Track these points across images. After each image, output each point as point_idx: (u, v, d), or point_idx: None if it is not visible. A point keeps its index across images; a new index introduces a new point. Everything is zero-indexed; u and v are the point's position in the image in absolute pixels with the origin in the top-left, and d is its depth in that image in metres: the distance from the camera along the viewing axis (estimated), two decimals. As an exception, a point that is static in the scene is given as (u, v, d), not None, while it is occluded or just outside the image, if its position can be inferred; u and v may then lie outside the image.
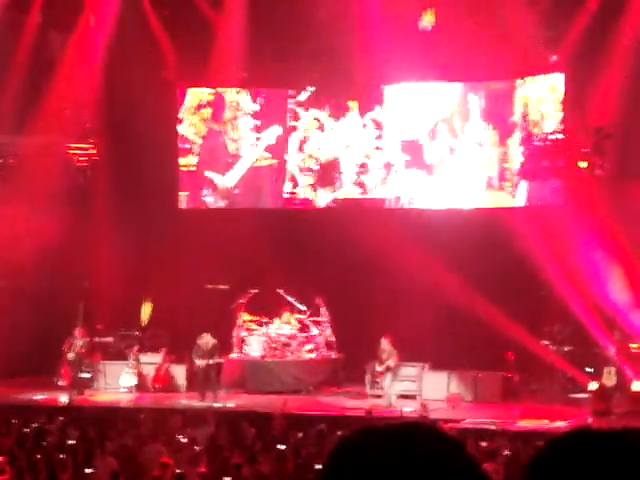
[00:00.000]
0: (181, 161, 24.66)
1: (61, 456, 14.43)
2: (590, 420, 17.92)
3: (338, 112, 24.17)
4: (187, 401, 20.41)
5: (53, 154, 23.91)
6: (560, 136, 21.96)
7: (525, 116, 22.82)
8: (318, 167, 24.32)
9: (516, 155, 22.85)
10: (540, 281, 20.54)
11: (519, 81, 22.89)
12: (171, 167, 24.46)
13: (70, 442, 15.58)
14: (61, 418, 17.60)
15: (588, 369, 20.62)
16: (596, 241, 20.64)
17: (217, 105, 24.70)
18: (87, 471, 13.53)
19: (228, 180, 24.60)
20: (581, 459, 1.59)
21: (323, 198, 24.25)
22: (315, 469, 13.99)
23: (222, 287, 23.69)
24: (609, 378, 19.60)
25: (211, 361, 20.70)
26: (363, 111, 24.01)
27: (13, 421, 17.24)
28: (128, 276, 22.54)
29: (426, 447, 1.41)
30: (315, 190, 24.37)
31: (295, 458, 14.72)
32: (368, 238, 20.84)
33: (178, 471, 13.66)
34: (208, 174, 24.69)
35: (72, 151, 24.93)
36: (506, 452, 14.05)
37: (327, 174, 24.29)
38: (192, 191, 24.84)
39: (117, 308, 23.15)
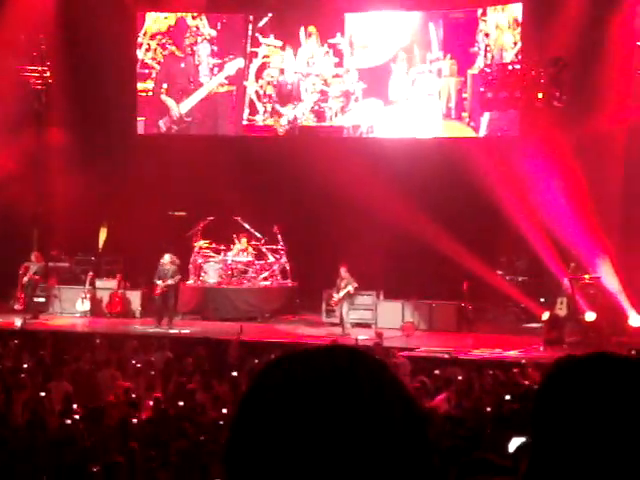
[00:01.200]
0: (139, 86, 24.41)
1: (16, 379, 14.45)
2: (542, 349, 18.16)
3: (297, 39, 23.97)
4: (142, 327, 20.43)
5: (7, 77, 23.50)
6: (518, 67, 21.92)
7: (485, 46, 22.78)
8: (276, 93, 24.19)
9: (475, 85, 22.82)
10: (496, 212, 20.62)
11: (480, 11, 22.81)
12: (129, 92, 24.20)
13: (25, 366, 15.59)
14: (16, 342, 17.56)
15: (541, 299, 20.86)
16: (552, 172, 20.71)
17: (176, 30, 24.42)
18: (41, 394, 13.55)
19: (183, 106, 24.43)
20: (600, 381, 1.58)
21: (283, 122, 24.11)
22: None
23: (180, 214, 23.57)
24: (561, 308, 19.83)
25: (171, 281, 20.63)
26: (323, 38, 23.84)
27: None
28: (85, 202, 22.36)
29: (347, 366, 1.39)
30: (273, 116, 24.24)
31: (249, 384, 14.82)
32: (326, 167, 20.81)
33: (133, 396, 13.73)
34: (164, 99, 24.49)
35: (27, 74, 24.53)
36: (459, 379, 14.21)
37: (285, 100, 24.17)
38: (149, 117, 24.65)
39: (73, 234, 23.00)
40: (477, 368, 15.49)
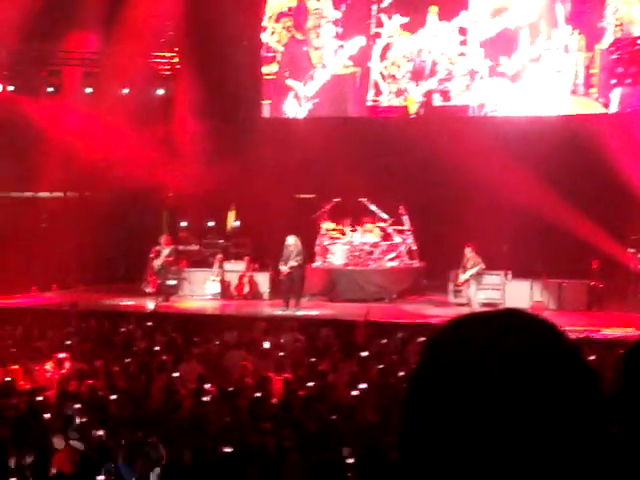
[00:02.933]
0: (264, 70, 24.60)
1: (153, 361, 14.78)
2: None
3: (422, 18, 23.80)
4: (271, 309, 20.62)
5: (136, 64, 23.96)
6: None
7: (614, 21, 22.25)
8: (401, 73, 24.07)
9: (604, 61, 22.34)
10: (627, 189, 20.17)
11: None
12: (254, 76, 24.41)
13: (157, 348, 15.93)
14: (149, 324, 17.95)
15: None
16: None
17: (299, 13, 24.51)
18: (174, 375, 13.82)
19: (309, 89, 24.52)
20: None
21: (415, 100, 23.94)
22: (398, 376, 14.11)
23: (307, 196, 23.68)
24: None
25: (294, 263, 20.76)
26: (446, 17, 23.61)
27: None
28: (213, 185, 22.65)
29: (526, 332, 1.36)
30: (398, 97, 24.14)
31: (377, 365, 14.85)
32: (452, 146, 20.65)
33: (263, 377, 13.89)
34: (289, 82, 24.62)
35: (155, 60, 25.01)
36: (591, 359, 13.99)
37: (412, 79, 24.05)
38: (274, 99, 24.82)
39: (202, 217, 23.36)
40: (608, 348, 15.21)
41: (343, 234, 22.68)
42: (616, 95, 22.34)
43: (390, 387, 13.37)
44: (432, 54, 23.86)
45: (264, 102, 24.76)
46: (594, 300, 20.31)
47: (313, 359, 15.13)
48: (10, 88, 24.22)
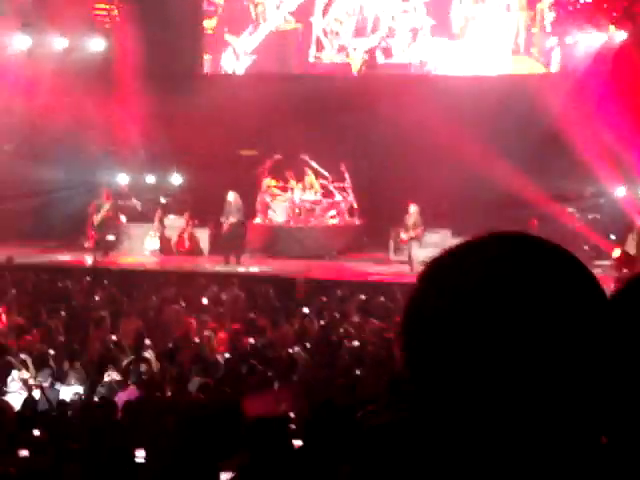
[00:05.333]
0: (205, 24, 24.32)
1: (91, 316, 14.65)
2: (613, 286, 17.90)
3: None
4: (211, 264, 20.53)
5: (75, 14, 23.50)
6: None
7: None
8: (344, 30, 23.91)
9: (546, 19, 22.40)
10: (569, 150, 20.28)
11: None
12: (195, 31, 24.13)
13: (96, 301, 15.81)
14: (87, 279, 17.78)
15: (612, 236, 20.56)
16: (626, 106, 20.30)
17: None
18: (112, 334, 13.72)
19: (248, 43, 24.28)
20: None
21: (356, 57, 23.80)
22: (338, 331, 14.14)
23: (250, 152, 23.53)
24: (632, 245, 19.54)
25: (233, 219, 20.69)
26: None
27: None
28: (153, 141, 22.42)
29: (524, 257, 1.30)
30: (339, 53, 23.99)
31: (318, 321, 14.86)
32: (393, 104, 20.58)
33: (206, 333, 13.84)
34: (228, 37, 24.36)
35: (96, 12, 24.57)
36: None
37: (353, 36, 23.90)
38: (214, 55, 24.56)
39: (143, 172, 23.15)
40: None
41: (284, 191, 22.60)
42: (556, 54, 22.41)
43: (331, 344, 13.40)
44: (374, 10, 23.70)
45: (205, 57, 24.47)
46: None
47: (252, 315, 15.10)
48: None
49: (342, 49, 24.01)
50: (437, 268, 1.32)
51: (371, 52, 23.80)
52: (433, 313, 1.27)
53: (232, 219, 20.81)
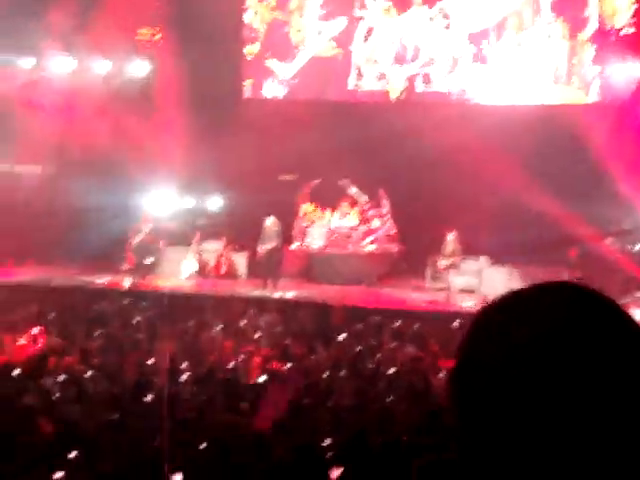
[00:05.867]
0: (246, 50, 24.49)
1: (128, 338, 14.73)
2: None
3: (406, 2, 23.71)
4: (248, 289, 20.56)
5: (121, 39, 23.80)
6: (632, 30, 21.45)
7: (597, 11, 22.26)
8: (383, 58, 23.95)
9: (587, 49, 22.37)
10: (608, 179, 20.19)
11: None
12: (236, 56, 24.31)
13: (133, 324, 15.88)
14: (125, 302, 17.86)
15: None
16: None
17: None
18: (149, 355, 13.77)
19: (289, 70, 24.41)
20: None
21: (395, 86, 23.82)
22: (374, 359, 14.12)
23: (290, 177, 23.60)
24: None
25: (271, 245, 20.75)
26: (430, 1, 23.53)
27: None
28: (194, 165, 22.56)
29: (578, 310, 1.30)
30: (381, 81, 24.03)
31: (354, 348, 14.85)
32: (433, 131, 20.62)
33: (241, 357, 13.87)
34: (270, 63, 24.51)
35: (139, 37, 24.82)
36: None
37: (394, 64, 23.95)
38: (255, 80, 24.71)
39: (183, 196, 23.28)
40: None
41: (322, 216, 22.62)
42: (596, 85, 22.37)
43: (367, 370, 13.39)
44: (414, 39, 23.75)
45: (245, 82, 24.64)
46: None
47: (288, 341, 15.12)
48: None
49: (382, 77, 24.05)
50: (489, 320, 1.34)
51: (411, 80, 23.82)
52: (487, 365, 1.27)
53: (270, 244, 20.87)
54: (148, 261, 21.76)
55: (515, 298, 1.36)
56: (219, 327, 15.98)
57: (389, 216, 22.30)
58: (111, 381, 12.12)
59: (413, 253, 21.66)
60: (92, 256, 22.06)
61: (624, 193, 20.15)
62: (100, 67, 24.37)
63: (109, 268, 21.69)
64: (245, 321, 16.65)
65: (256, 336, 15.69)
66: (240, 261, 22.22)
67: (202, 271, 22.01)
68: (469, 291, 20.49)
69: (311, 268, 21.84)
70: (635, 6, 21.63)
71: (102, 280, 20.83)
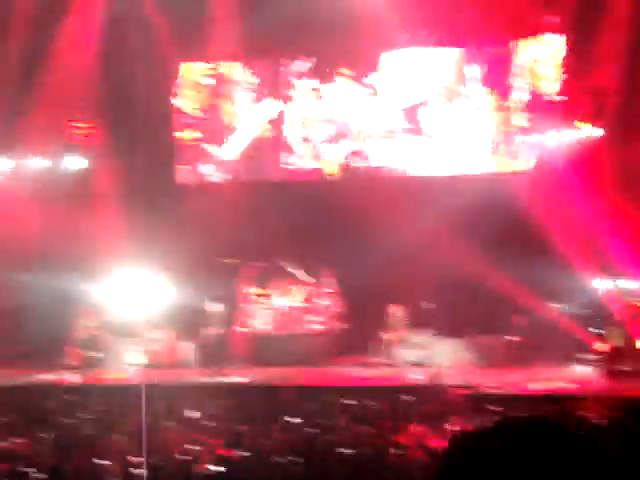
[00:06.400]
0: (179, 135, 24.64)
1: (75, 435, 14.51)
2: (603, 381, 17.98)
3: (332, 80, 24.03)
4: (197, 376, 20.40)
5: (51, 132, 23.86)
6: (559, 98, 21.97)
7: (525, 79, 22.75)
8: (317, 136, 24.20)
9: (517, 119, 22.82)
10: (548, 243, 20.49)
11: (518, 43, 22.77)
12: (168, 141, 24.47)
13: (82, 421, 15.66)
14: (71, 397, 17.63)
15: (593, 329, 20.62)
16: (598, 202, 20.62)
17: (215, 79, 24.65)
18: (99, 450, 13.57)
19: (224, 152, 24.58)
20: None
21: (329, 164, 24.04)
22: (327, 440, 14.04)
23: (231, 261, 23.60)
24: (618, 338, 19.61)
25: (218, 330, 20.69)
26: (359, 78, 23.89)
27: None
28: (134, 254, 22.50)
29: (554, 448, 1.38)
30: (315, 159, 24.24)
31: (307, 429, 14.77)
32: (371, 207, 20.80)
33: (195, 448, 13.72)
34: (205, 146, 24.65)
35: (76, 131, 24.83)
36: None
37: (326, 141, 24.19)
38: (193, 165, 24.84)
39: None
40: (537, 402, 15.33)
41: (267, 298, 22.61)
42: (528, 153, 22.79)
43: (321, 453, 13.31)
44: (345, 115, 24.04)
45: (181, 167, 24.76)
46: (517, 355, 20.46)
47: (242, 426, 15.00)
48: None
49: (316, 156, 24.25)
50: (461, 450, 1.40)
51: (346, 156, 24.04)
52: None
53: (215, 329, 20.81)
54: (96, 355, 21.53)
55: (485, 431, 1.46)
56: (170, 416, 15.80)
57: (334, 294, 22.33)
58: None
59: (359, 329, 21.68)
60: (36, 353, 21.78)
61: (564, 258, 20.43)
62: (35, 164, 24.36)
63: (55, 364, 21.38)
64: (196, 409, 16.48)
65: (208, 423, 15.55)
66: (187, 348, 22.05)
67: (150, 362, 21.81)
68: (418, 364, 20.53)
69: (257, 350, 21.73)
70: (561, 75, 22.15)
71: (47, 377, 20.51)
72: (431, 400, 16.07)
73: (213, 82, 24.65)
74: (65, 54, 23.58)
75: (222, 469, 12.67)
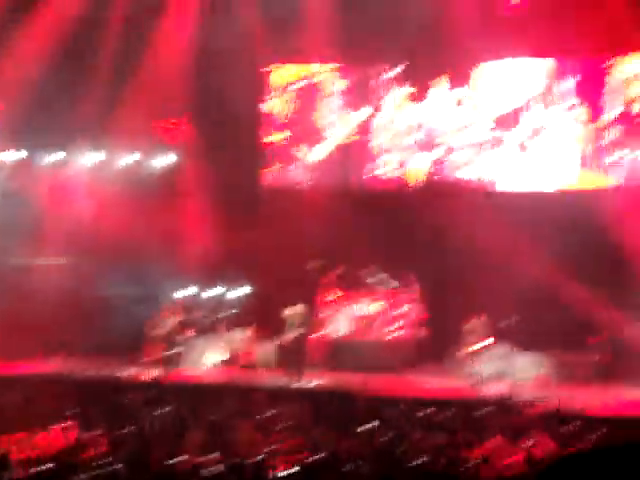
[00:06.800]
0: (270, 139, 24.78)
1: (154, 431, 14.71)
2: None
3: (427, 90, 23.94)
4: (274, 378, 20.49)
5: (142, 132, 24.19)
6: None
7: (620, 94, 22.45)
8: (403, 146, 24.13)
9: (610, 133, 22.51)
10: (632, 261, 20.20)
11: (614, 58, 22.46)
12: (256, 144, 24.65)
13: (161, 417, 15.85)
14: (151, 394, 17.85)
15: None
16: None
17: (305, 83, 24.72)
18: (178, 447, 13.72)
19: (314, 157, 24.62)
20: None
21: (414, 174, 23.97)
22: (400, 448, 14.01)
23: (314, 264, 23.67)
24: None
25: (297, 332, 20.77)
26: (453, 88, 23.77)
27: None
28: (220, 254, 22.74)
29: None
30: (399, 168, 24.16)
31: (380, 438, 14.75)
32: (457, 218, 20.73)
33: (269, 449, 13.80)
34: (294, 150, 24.74)
35: (166, 129, 25.13)
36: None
37: (413, 152, 24.12)
38: (279, 168, 24.95)
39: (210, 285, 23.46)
40: (615, 424, 15.10)
41: (348, 303, 22.62)
42: (619, 169, 22.49)
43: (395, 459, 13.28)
44: (435, 126, 23.94)
45: (269, 170, 24.89)
46: (600, 374, 20.16)
47: (314, 430, 15.05)
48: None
49: (401, 164, 24.16)
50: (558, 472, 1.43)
51: (431, 167, 23.91)
52: None
53: (296, 332, 20.90)
54: (175, 351, 21.77)
55: (580, 457, 1.50)
56: (247, 418, 15.92)
57: (415, 301, 22.26)
58: (139, 474, 12.05)
59: (439, 339, 21.58)
60: (119, 346, 22.10)
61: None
62: (125, 159, 24.75)
63: (135, 359, 21.68)
64: (272, 411, 16.57)
65: (283, 427, 15.62)
66: (267, 349, 22.15)
67: (229, 361, 21.97)
68: (497, 377, 20.34)
69: (336, 355, 21.75)
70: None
71: (128, 372, 20.79)
72: (507, 414, 15.95)
73: (303, 85, 24.72)
74: (159, 52, 23.89)
75: (294, 472, 12.73)
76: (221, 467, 12.58)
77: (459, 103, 23.73)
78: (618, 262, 20.54)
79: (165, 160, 24.98)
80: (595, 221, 20.34)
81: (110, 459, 12.86)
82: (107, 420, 15.45)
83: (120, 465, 12.47)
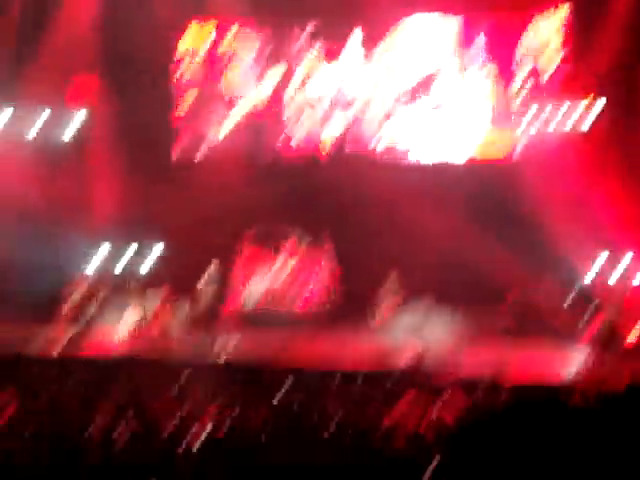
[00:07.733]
0: (180, 101, 24.40)
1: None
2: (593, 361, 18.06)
3: (337, 51, 23.69)
4: (186, 347, 20.32)
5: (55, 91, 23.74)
6: (564, 72, 21.90)
7: (529, 52, 22.55)
8: (316, 109, 23.92)
9: (520, 92, 22.64)
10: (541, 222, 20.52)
11: (528, 16, 22.51)
12: (166, 117, 24.26)
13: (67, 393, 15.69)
14: (56, 369, 17.67)
15: (588, 307, 20.63)
16: (603, 178, 20.62)
17: (214, 49, 24.25)
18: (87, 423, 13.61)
19: (227, 121, 24.34)
20: None
21: (325, 142, 23.82)
22: (311, 421, 14.06)
23: (222, 237, 23.58)
24: (613, 316, 19.68)
25: (214, 289, 20.78)
26: (367, 49, 23.56)
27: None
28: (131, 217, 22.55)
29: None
30: (311, 137, 23.94)
31: (290, 409, 14.80)
32: (371, 183, 20.90)
33: (178, 421, 13.73)
34: (207, 115, 24.36)
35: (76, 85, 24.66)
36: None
37: (324, 119, 23.93)
38: (187, 142, 24.43)
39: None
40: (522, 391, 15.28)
41: (261, 268, 22.63)
42: (529, 123, 22.69)
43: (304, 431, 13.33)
44: (348, 85, 23.74)
45: (176, 145, 24.48)
46: (508, 332, 20.49)
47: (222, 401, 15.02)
48: None
49: (312, 134, 23.88)
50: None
51: (344, 130, 23.80)
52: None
53: (211, 289, 20.86)
54: (88, 314, 21.53)
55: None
56: (158, 390, 15.81)
57: (327, 266, 22.34)
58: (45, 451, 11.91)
59: (353, 301, 21.68)
60: (29, 310, 21.72)
61: (561, 236, 20.42)
62: (35, 116, 24.24)
63: (46, 322, 21.34)
64: (184, 382, 16.49)
65: (195, 397, 15.56)
66: (180, 316, 21.94)
67: (141, 327, 21.75)
68: (410, 339, 20.46)
69: (248, 322, 21.68)
70: (566, 49, 22.00)
71: (33, 344, 20.33)
72: (417, 382, 16.05)
73: (214, 47, 24.26)
74: (70, 7, 23.44)
75: (206, 443, 12.71)
76: (132, 440, 12.52)
77: (370, 62, 23.56)
78: (529, 223, 20.81)
79: (75, 120, 24.51)
80: (503, 188, 20.57)
81: (14, 435, 12.71)
82: (11, 396, 15.21)
83: (26, 441, 12.33)
